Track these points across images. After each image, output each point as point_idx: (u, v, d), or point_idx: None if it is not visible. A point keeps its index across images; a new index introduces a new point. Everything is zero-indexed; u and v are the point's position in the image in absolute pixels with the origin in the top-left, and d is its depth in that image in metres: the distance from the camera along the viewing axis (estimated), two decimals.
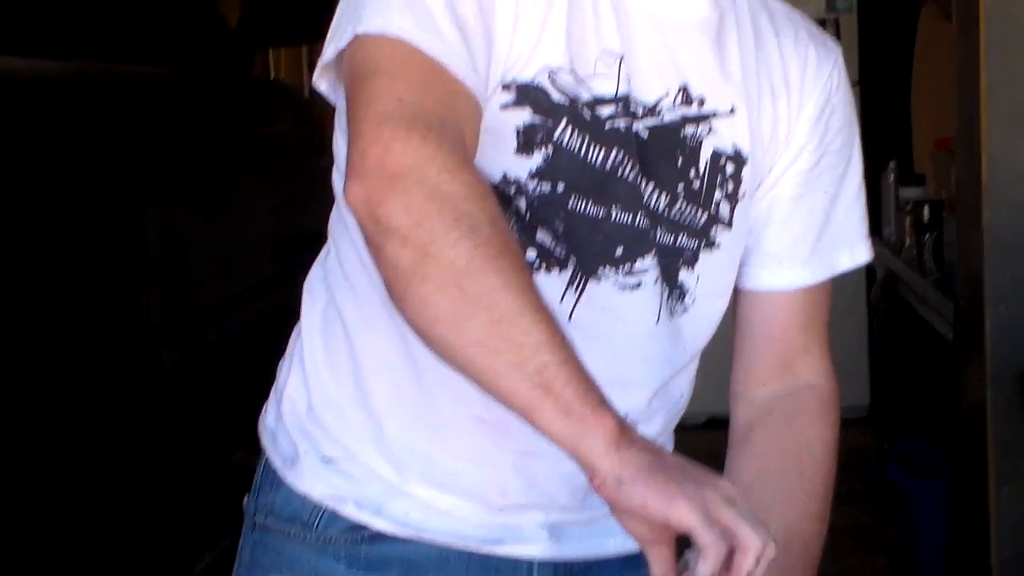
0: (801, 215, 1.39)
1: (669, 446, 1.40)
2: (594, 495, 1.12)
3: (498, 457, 1.30)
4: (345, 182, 1.08)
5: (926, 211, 3.89)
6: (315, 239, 3.95)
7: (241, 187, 3.36)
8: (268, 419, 1.42)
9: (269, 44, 4.10)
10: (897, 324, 4.05)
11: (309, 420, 1.36)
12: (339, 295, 1.34)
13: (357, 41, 1.14)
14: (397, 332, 1.27)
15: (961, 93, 2.72)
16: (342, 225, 1.34)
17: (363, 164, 1.07)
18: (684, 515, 0.99)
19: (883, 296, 3.99)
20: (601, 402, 1.03)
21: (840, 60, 1.41)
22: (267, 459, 1.39)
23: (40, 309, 2.33)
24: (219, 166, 3.25)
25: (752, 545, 1.01)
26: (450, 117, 1.11)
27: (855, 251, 1.42)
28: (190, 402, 2.99)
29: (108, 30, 2.96)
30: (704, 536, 0.99)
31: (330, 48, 1.17)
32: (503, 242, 1.06)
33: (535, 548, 1.34)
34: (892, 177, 4.31)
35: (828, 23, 5.33)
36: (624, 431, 1.03)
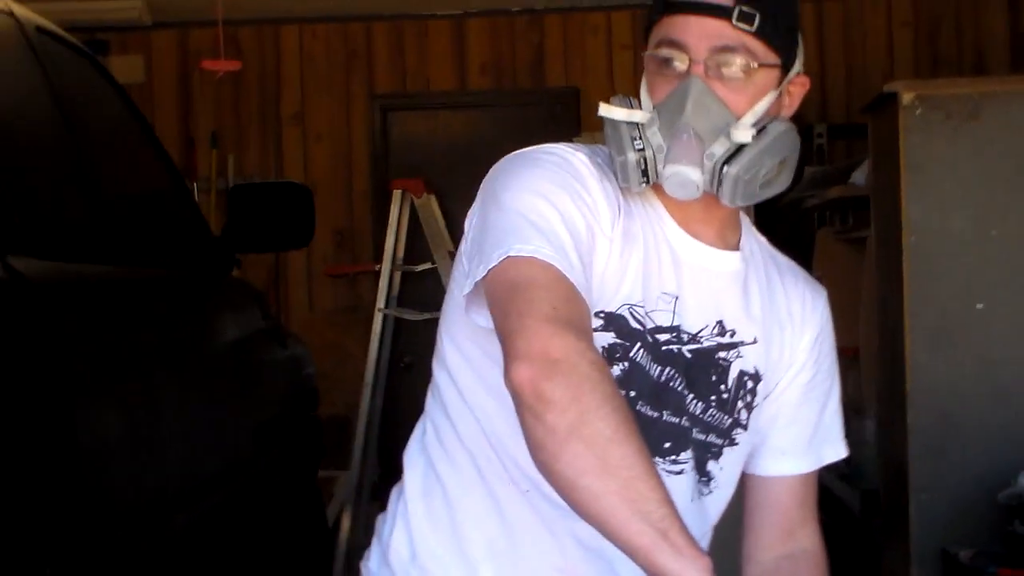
0: (801, 418, 1.82)
1: None
2: None
3: None
4: (508, 365, 1.42)
5: None
6: (279, 421, 4.25)
7: (225, 375, 3.65)
8: (371, 564, 1.76)
9: (258, 250, 4.40)
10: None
11: (412, 566, 1.70)
12: (438, 464, 1.70)
13: (509, 261, 1.50)
14: (491, 495, 1.65)
15: (884, 309, 3.16)
16: (442, 412, 1.71)
17: (528, 351, 1.42)
18: None
19: None
20: (700, 548, 1.37)
21: (826, 299, 1.87)
22: None
23: (83, 477, 2.58)
24: (215, 356, 3.56)
25: None
26: (584, 323, 1.49)
27: (837, 448, 1.87)
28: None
29: (122, 236, 3.25)
30: None
31: (480, 268, 1.53)
32: (633, 420, 1.42)
33: None
34: None
35: None
36: (713, 570, 1.37)
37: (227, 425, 3.55)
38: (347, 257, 6.82)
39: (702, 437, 1.71)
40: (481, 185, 1.66)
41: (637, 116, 1.62)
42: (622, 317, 1.62)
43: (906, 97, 2.97)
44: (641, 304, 1.64)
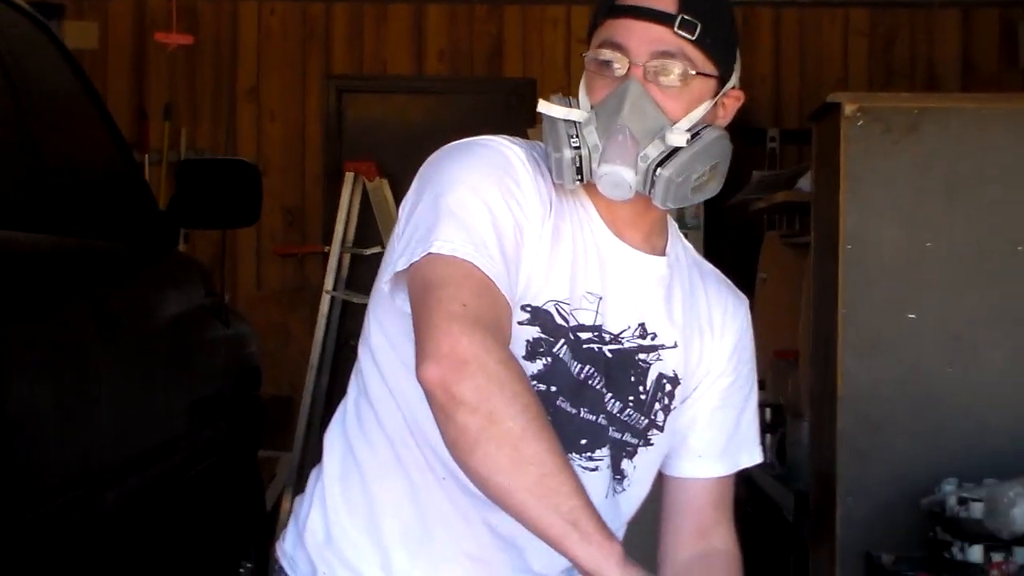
0: (717, 423, 1.86)
1: None
2: None
3: None
4: (419, 363, 1.47)
5: (768, 413, 4.37)
6: (217, 399, 4.25)
7: (163, 351, 3.64)
8: (286, 545, 1.79)
9: (205, 226, 4.39)
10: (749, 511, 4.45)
11: (327, 548, 1.73)
12: (357, 448, 1.73)
13: (429, 257, 1.54)
14: (407, 481, 1.68)
15: (818, 315, 3.21)
16: (364, 395, 1.73)
17: (437, 351, 1.47)
18: None
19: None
20: (611, 536, 1.44)
21: (747, 308, 1.92)
22: (283, 573, 1.76)
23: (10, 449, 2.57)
24: (152, 331, 3.55)
25: None
26: (497, 320, 1.53)
27: (753, 453, 1.91)
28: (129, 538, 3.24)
29: (73, 208, 3.24)
30: None
31: (401, 260, 1.58)
32: (543, 417, 1.47)
33: None
34: None
35: None
36: (625, 556, 1.43)
37: (161, 401, 3.55)
38: (297, 237, 6.81)
39: (618, 436, 1.74)
40: (418, 172, 1.68)
41: (575, 115, 1.65)
42: (548, 313, 1.65)
43: (848, 108, 3.01)
44: (567, 301, 1.66)
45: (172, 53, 6.60)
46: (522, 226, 1.61)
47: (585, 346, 1.68)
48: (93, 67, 6.73)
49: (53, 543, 2.80)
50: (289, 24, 6.84)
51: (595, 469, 1.72)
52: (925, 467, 2.97)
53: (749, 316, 1.90)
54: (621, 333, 1.72)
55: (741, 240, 5.83)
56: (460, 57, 6.88)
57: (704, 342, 1.82)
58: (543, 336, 1.65)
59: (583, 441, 1.70)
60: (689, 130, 1.65)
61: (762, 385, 4.70)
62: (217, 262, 6.59)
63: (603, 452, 1.72)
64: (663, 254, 1.76)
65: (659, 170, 1.63)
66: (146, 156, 6.59)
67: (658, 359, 1.75)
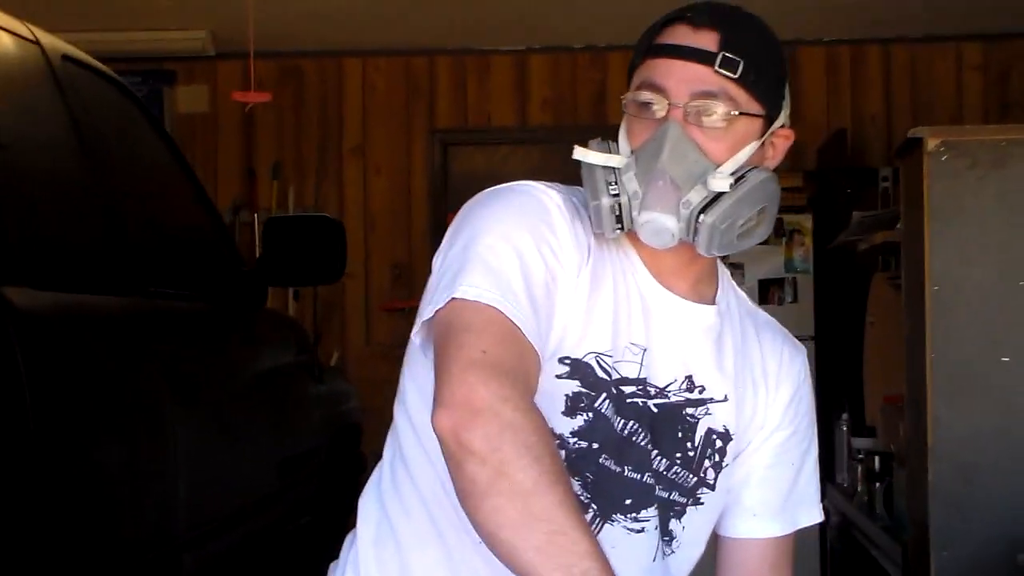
0: (773, 480, 1.75)
1: None
2: None
3: None
4: (434, 411, 1.38)
5: (876, 461, 4.21)
6: (309, 457, 4.21)
7: (248, 410, 3.64)
8: None
9: (289, 284, 4.40)
10: (852, 565, 4.30)
11: None
12: (392, 512, 1.65)
13: (452, 303, 1.47)
14: (443, 545, 1.59)
15: (909, 359, 3.07)
16: (399, 456, 1.66)
17: (452, 399, 1.38)
18: None
19: (839, 538, 4.27)
20: None
21: (805, 358, 1.81)
22: None
23: (82, 513, 2.58)
24: (234, 390, 3.55)
25: None
26: (520, 368, 1.44)
27: (812, 512, 1.79)
28: None
29: (157, 268, 3.26)
30: None
31: (428, 308, 1.50)
32: (559, 470, 1.37)
33: None
34: (845, 427, 4.63)
35: (787, 282, 5.75)
36: None
37: (246, 461, 3.54)
38: (404, 292, 6.81)
39: (666, 495, 1.65)
40: (452, 220, 1.62)
41: (614, 161, 1.57)
42: (588, 365, 1.57)
43: (931, 143, 2.88)
44: (609, 353, 1.58)
45: (281, 111, 6.71)
46: (555, 274, 1.53)
47: (629, 400, 1.59)
48: (204, 129, 6.88)
49: None
50: (393, 79, 6.88)
51: (641, 531, 1.62)
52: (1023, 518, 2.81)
53: (807, 366, 1.80)
54: (667, 387, 1.63)
55: (851, 283, 5.67)
56: (564, 106, 6.85)
57: (758, 395, 1.72)
58: (583, 390, 1.56)
59: (628, 501, 1.61)
60: (733, 173, 1.56)
61: (872, 432, 4.62)
62: (326, 320, 6.66)
63: (649, 512, 1.63)
64: (712, 303, 1.67)
65: (702, 216, 1.55)
66: (255, 215, 6.66)
67: (707, 413, 1.66)
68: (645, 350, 1.60)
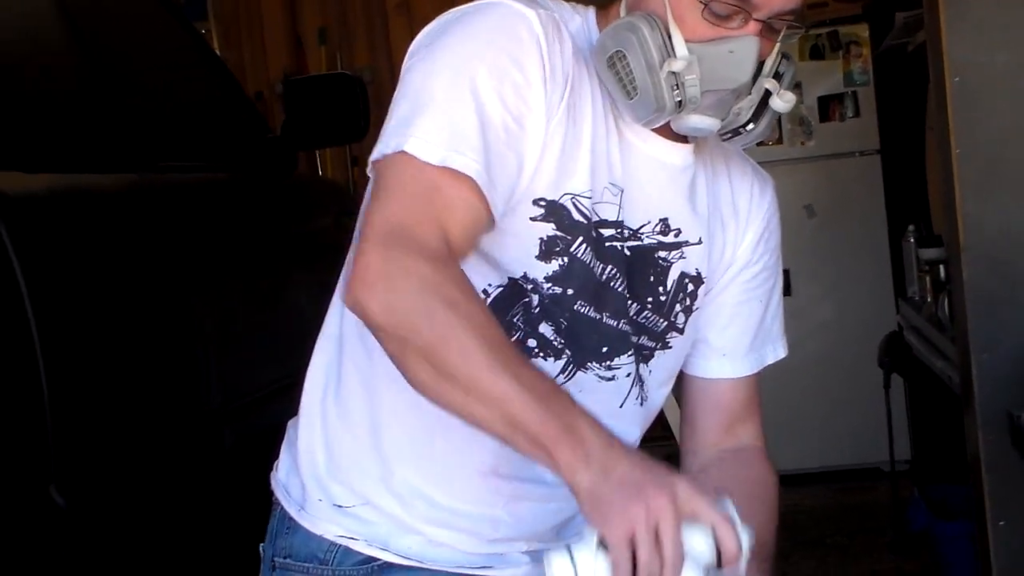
0: (741, 319, 1.68)
1: None
2: (568, 527, 1.40)
3: (492, 500, 1.54)
4: (348, 286, 1.33)
5: (941, 270, 4.08)
6: None
7: (288, 280, 3.60)
8: (280, 475, 1.65)
9: (312, 147, 4.34)
10: (925, 378, 4.20)
11: (326, 473, 1.58)
12: (354, 356, 1.57)
13: (395, 157, 1.37)
14: (409, 391, 1.51)
15: (939, 158, 2.92)
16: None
17: (353, 274, 1.32)
18: (611, 533, 1.21)
19: (887, 352, 4.17)
20: (562, 431, 1.25)
21: (773, 189, 1.71)
22: (281, 508, 1.62)
23: (113, 392, 2.57)
24: (266, 261, 3.51)
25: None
26: (436, 228, 1.35)
27: (777, 348, 1.72)
28: (247, 481, 3.20)
29: (165, 142, 3.22)
30: (615, 553, 1.21)
31: (375, 151, 1.41)
32: (467, 321, 1.29)
33: (519, 571, 1.58)
34: (912, 239, 4.50)
35: (847, 96, 5.54)
36: (581, 453, 1.24)
37: (284, 334, 3.50)
38: None
39: (635, 339, 1.57)
40: (413, 42, 1.51)
41: (676, 66, 1.44)
42: (564, 208, 1.47)
43: None
44: (587, 195, 1.48)
45: None
46: (519, 115, 1.41)
47: (607, 244, 1.51)
48: (247, 3, 6.79)
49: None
50: None
51: (612, 378, 1.55)
52: None
53: (775, 198, 1.70)
54: (640, 228, 1.53)
55: (912, 90, 5.45)
56: None
57: (727, 233, 1.64)
58: (559, 234, 1.47)
59: (604, 349, 1.54)
60: (770, 70, 1.50)
61: (939, 242, 4.46)
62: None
63: (623, 360, 1.55)
64: (687, 141, 1.57)
65: (751, 125, 1.52)
66: None
67: (681, 257, 1.57)
68: (623, 190, 1.51)
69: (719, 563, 1.23)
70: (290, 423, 1.69)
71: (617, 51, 1.46)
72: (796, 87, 5.29)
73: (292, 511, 1.61)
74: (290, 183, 3.96)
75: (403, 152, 1.37)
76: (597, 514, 1.22)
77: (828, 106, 5.56)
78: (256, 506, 3.07)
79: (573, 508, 1.48)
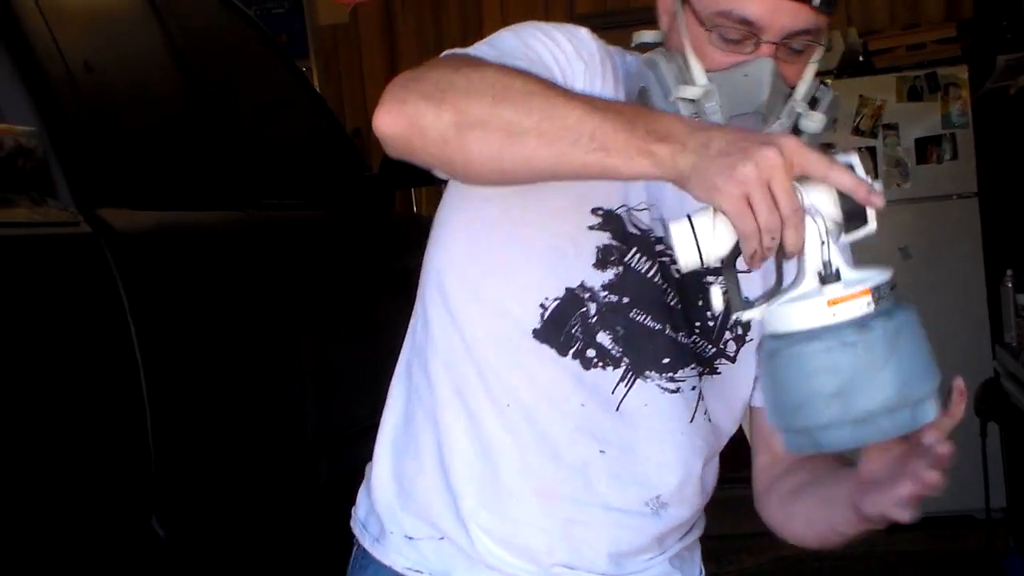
0: None
1: (700, 528, 1.68)
2: (628, 560, 1.41)
3: (547, 524, 1.55)
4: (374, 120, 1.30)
5: None
6: None
7: (382, 316, 3.64)
8: (360, 512, 1.69)
9: (408, 185, 4.38)
10: (1022, 426, 4.14)
11: (398, 505, 1.62)
12: (418, 389, 1.61)
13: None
14: (466, 412, 1.54)
15: None
16: (425, 328, 1.61)
17: (385, 99, 1.31)
18: (725, 199, 1.15)
19: (982, 399, 4.12)
20: (647, 134, 1.19)
21: None
22: (359, 545, 1.66)
23: (215, 425, 2.62)
24: (363, 298, 3.55)
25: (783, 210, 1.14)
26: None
27: None
28: (338, 518, 3.24)
29: (269, 179, 3.27)
30: (733, 213, 1.16)
31: None
32: (503, 75, 1.26)
33: None
34: (1010, 284, 4.44)
35: (944, 138, 5.49)
36: (675, 144, 1.17)
37: (381, 369, 3.51)
38: None
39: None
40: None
41: (690, 92, 1.46)
42: (620, 218, 1.52)
43: None
44: (642, 208, 1.53)
45: (421, 17, 6.67)
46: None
47: (660, 259, 1.53)
48: (346, 41, 6.89)
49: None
50: None
51: (676, 390, 1.56)
52: None
53: None
54: None
55: (1012, 134, 5.40)
56: None
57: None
58: (614, 243, 1.51)
59: (665, 360, 1.55)
60: (805, 95, 1.49)
61: None
62: None
63: (687, 372, 1.56)
64: None
65: None
66: None
67: None
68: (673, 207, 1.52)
69: (847, 222, 1.19)
70: (368, 465, 1.73)
71: (641, 87, 1.49)
72: (892, 128, 5.27)
73: (367, 544, 1.65)
74: (387, 221, 4.00)
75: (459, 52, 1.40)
76: (708, 188, 1.16)
77: (925, 148, 5.51)
78: (344, 544, 3.12)
79: (628, 538, 1.54)
